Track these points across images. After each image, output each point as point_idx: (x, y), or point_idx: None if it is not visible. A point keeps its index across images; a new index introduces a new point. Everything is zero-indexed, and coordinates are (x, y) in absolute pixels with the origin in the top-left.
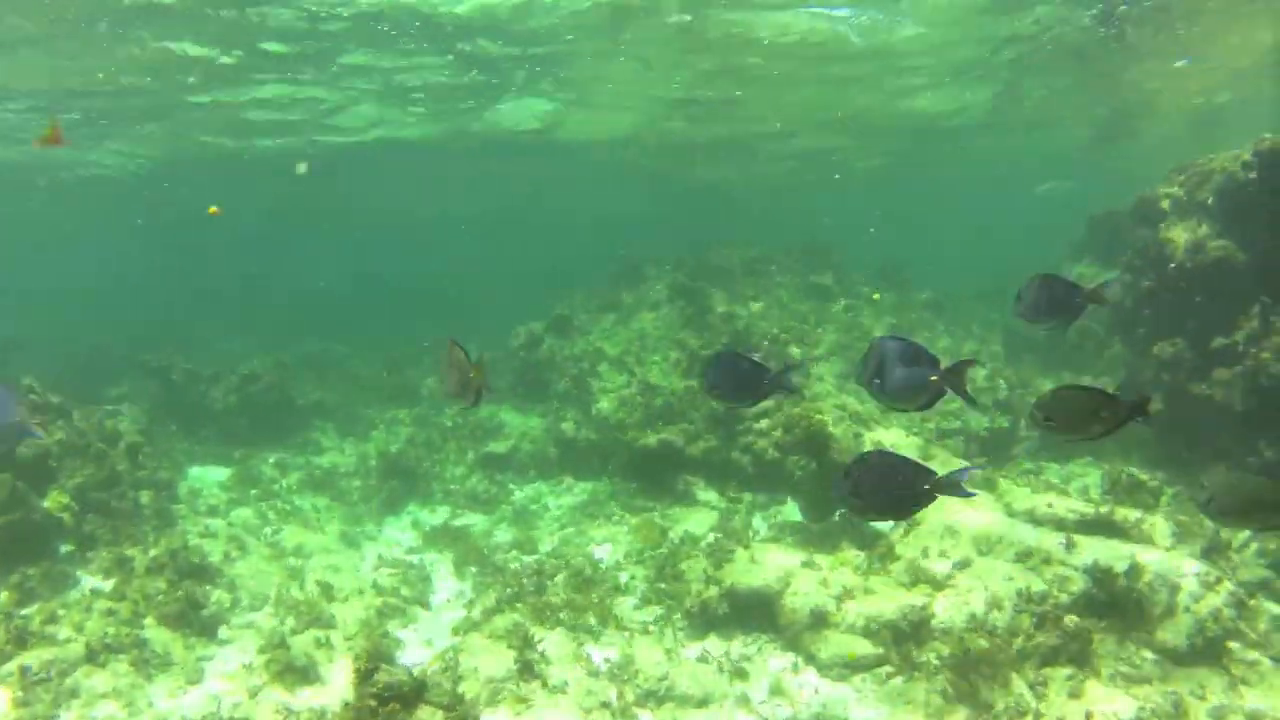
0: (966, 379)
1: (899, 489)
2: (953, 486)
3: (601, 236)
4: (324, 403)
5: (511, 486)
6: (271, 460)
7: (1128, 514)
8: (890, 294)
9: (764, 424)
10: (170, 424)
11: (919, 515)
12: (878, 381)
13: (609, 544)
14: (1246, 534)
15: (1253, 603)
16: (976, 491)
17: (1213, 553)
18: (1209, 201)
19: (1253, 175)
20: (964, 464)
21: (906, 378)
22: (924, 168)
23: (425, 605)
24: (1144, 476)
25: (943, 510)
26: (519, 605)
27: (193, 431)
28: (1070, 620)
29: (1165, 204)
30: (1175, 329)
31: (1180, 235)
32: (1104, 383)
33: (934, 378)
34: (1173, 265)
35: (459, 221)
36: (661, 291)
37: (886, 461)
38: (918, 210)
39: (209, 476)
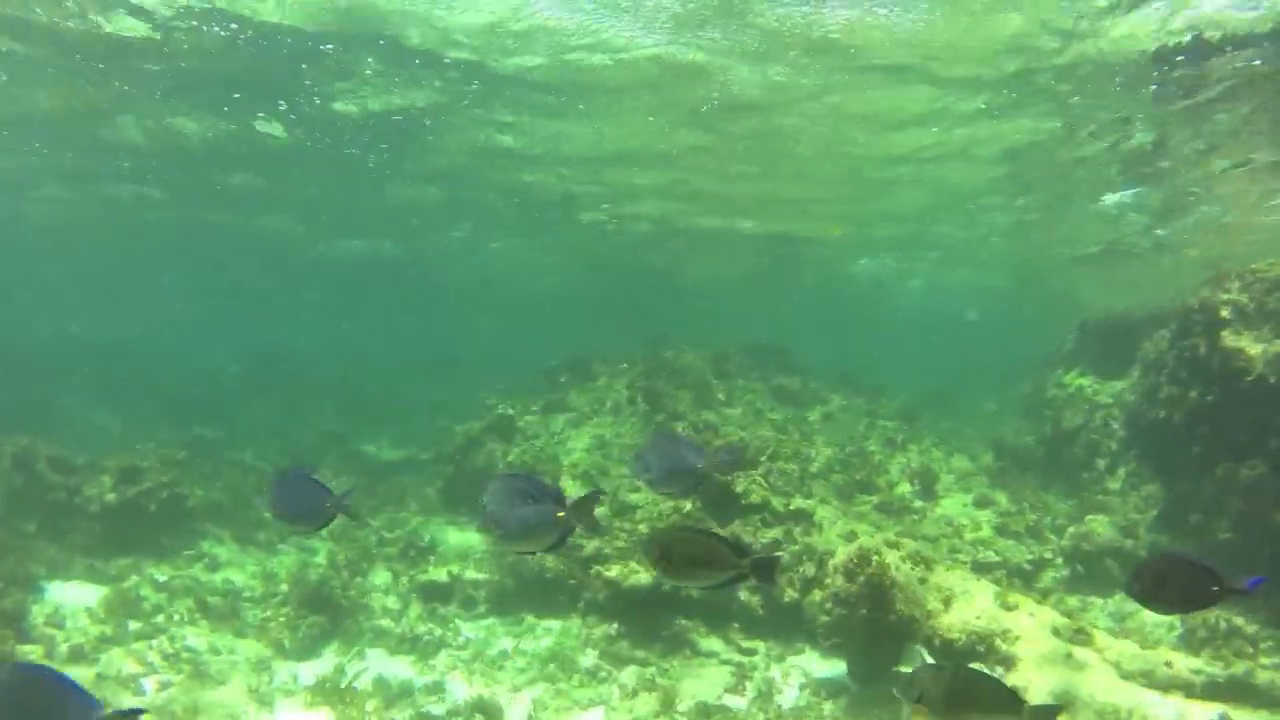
0: (593, 512)
1: None
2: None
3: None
4: (219, 504)
5: (459, 624)
6: (156, 578)
7: (1273, 676)
8: (859, 400)
9: (784, 557)
10: (28, 523)
11: (1025, 685)
12: (497, 524)
13: (599, 708)
14: None
15: None
16: None
17: None
18: None
19: None
20: None
21: (529, 517)
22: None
23: None
24: (1239, 620)
25: (1048, 672)
26: None
27: (58, 535)
28: None
29: (1225, 312)
30: (1249, 449)
31: (1252, 346)
32: (1132, 505)
33: (560, 514)
34: (1249, 378)
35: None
36: (621, 393)
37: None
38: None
39: (75, 599)
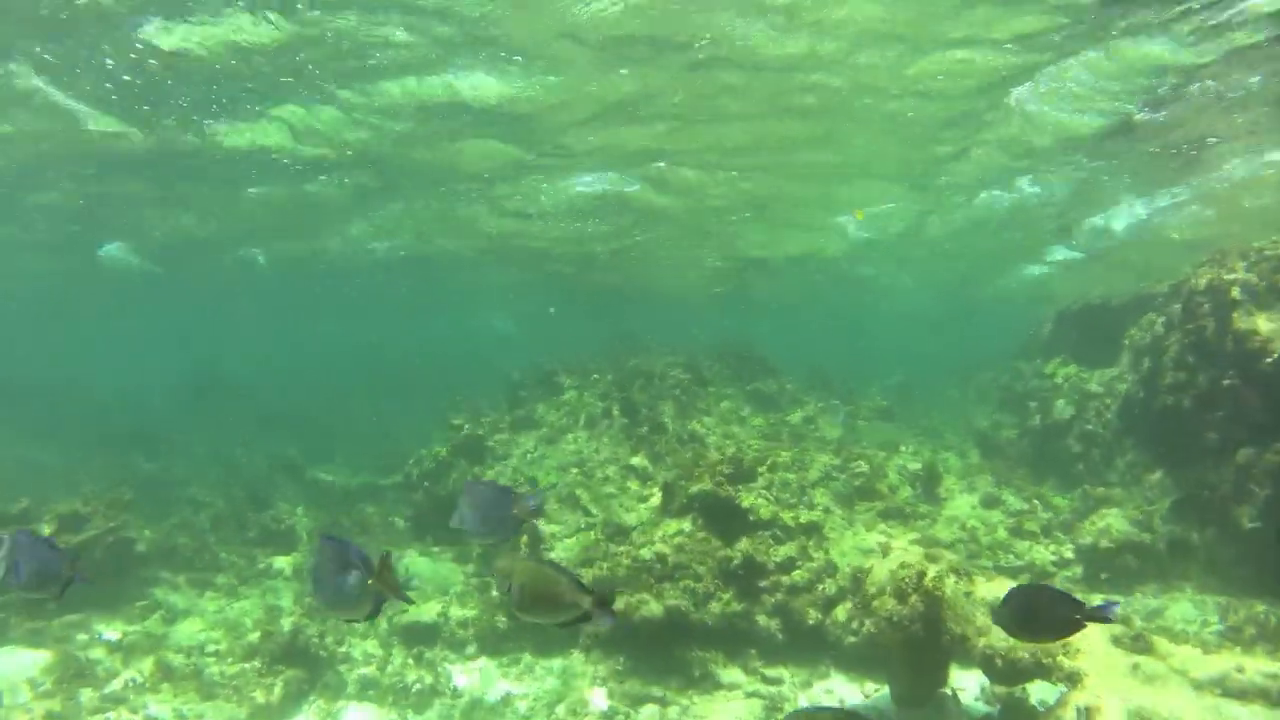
0: (395, 576)
1: None
2: None
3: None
4: (170, 546)
5: (448, 668)
6: (107, 636)
7: None
8: (837, 402)
9: (797, 576)
10: None
11: (1096, 703)
12: (317, 594)
13: None
14: None
15: None
16: None
17: None
18: None
19: None
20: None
21: (344, 586)
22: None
23: None
24: None
25: (1120, 687)
26: None
27: None
28: None
29: (1235, 292)
30: (1272, 432)
31: (1267, 325)
32: (1139, 497)
33: (370, 582)
34: (1269, 359)
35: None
36: (595, 405)
37: None
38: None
39: (15, 668)
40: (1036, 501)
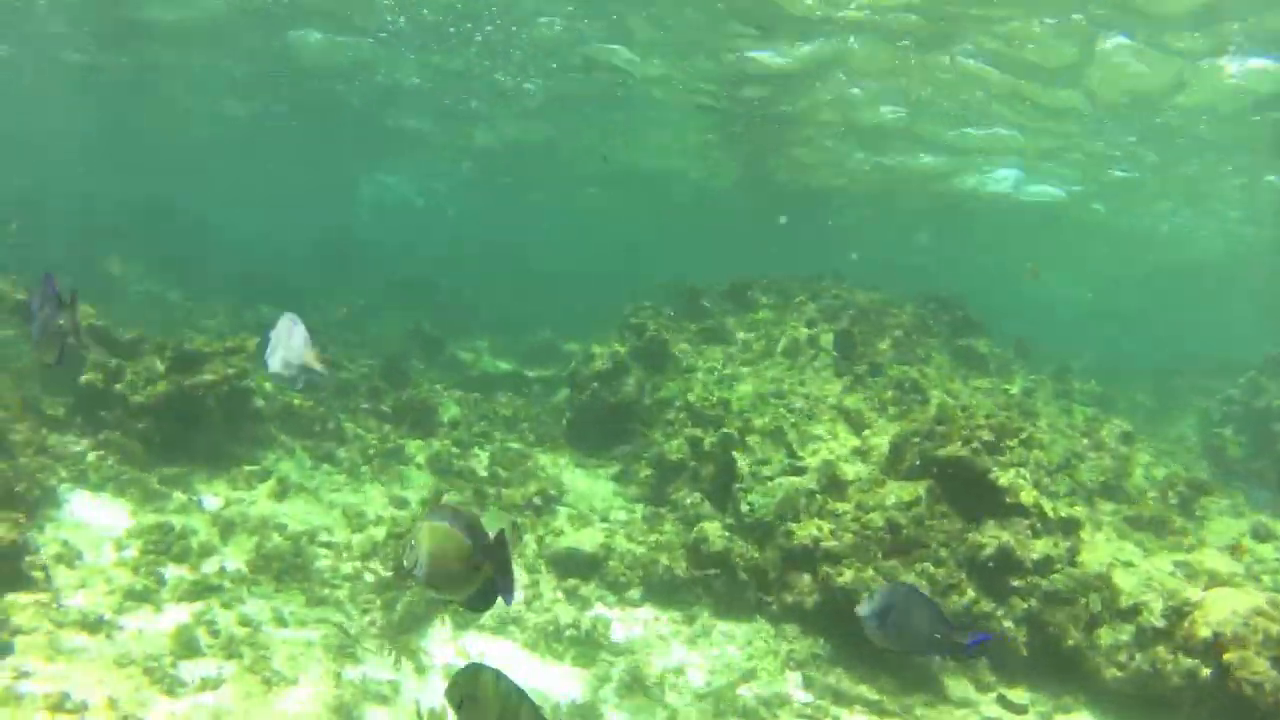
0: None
1: None
2: None
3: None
4: (291, 407)
5: (606, 613)
6: (207, 504)
7: None
8: (1044, 377)
9: (1058, 581)
10: (56, 405)
11: None
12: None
13: None
14: None
15: None
16: None
17: None
18: None
19: None
20: None
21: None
22: None
23: None
24: None
25: None
26: None
27: (89, 427)
28: None
29: None
30: None
31: None
32: None
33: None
34: None
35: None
36: (798, 331)
37: None
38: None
39: (98, 524)
40: None
